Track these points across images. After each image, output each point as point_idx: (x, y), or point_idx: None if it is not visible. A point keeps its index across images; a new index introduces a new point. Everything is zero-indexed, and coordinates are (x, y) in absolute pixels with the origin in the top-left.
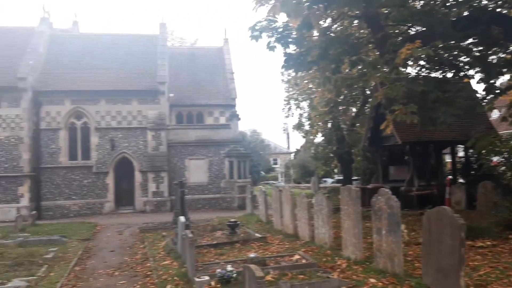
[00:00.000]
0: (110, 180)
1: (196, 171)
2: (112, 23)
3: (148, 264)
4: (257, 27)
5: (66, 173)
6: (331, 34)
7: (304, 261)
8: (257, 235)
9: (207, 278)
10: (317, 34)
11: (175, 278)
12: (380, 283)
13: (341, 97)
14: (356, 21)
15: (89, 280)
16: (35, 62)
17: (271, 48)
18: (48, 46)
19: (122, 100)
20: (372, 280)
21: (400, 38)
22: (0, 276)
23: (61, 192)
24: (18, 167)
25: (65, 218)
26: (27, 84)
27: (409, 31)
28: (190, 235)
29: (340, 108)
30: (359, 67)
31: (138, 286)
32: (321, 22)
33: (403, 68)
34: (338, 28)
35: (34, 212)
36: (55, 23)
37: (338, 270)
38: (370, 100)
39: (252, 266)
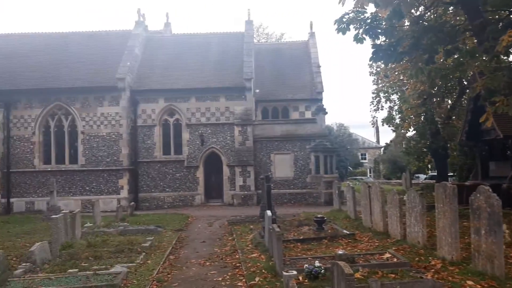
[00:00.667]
0: (200, 174)
1: (282, 166)
2: (202, 22)
3: (237, 256)
4: (344, 20)
5: (161, 167)
6: (423, 22)
7: (395, 260)
8: (345, 231)
9: (294, 272)
10: (408, 23)
11: (263, 271)
12: (479, 286)
13: (435, 89)
14: (451, 8)
15: (182, 269)
16: (132, 63)
17: (359, 40)
18: (143, 48)
19: (210, 97)
20: (470, 283)
21: (500, 25)
22: (105, 261)
23: (156, 185)
24: (118, 161)
25: (160, 209)
26: (125, 84)
27: (511, 16)
28: (277, 229)
29: (434, 100)
30: (455, 56)
31: (228, 276)
32: (412, 11)
33: (505, 56)
34: (431, 16)
35: (132, 203)
36: (149, 25)
37: (432, 270)
38: (467, 91)
39: (341, 262)
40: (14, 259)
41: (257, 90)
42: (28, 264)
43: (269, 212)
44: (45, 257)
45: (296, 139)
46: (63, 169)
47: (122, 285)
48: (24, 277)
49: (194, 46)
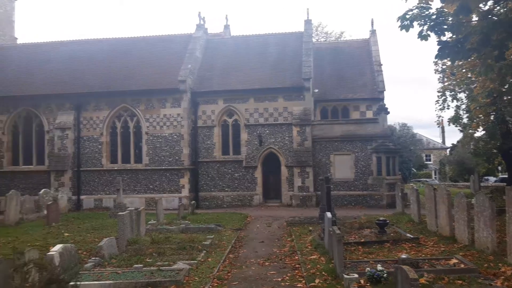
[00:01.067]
0: (258, 174)
1: (342, 167)
2: (261, 23)
3: (296, 257)
4: (407, 16)
5: (220, 166)
6: (493, 17)
7: (462, 265)
8: (409, 235)
9: (356, 275)
10: (477, 18)
11: (323, 273)
12: None
13: (506, 87)
14: None
15: (242, 268)
16: (192, 66)
17: (423, 37)
18: (204, 50)
19: (269, 97)
20: None
21: None
22: (168, 258)
23: (216, 184)
24: (180, 161)
25: (219, 208)
26: (186, 86)
27: None
28: (338, 232)
29: (505, 98)
30: None
31: (287, 277)
32: (481, 5)
33: None
34: (501, 11)
35: (193, 202)
36: (209, 28)
37: (502, 277)
38: None
39: (405, 267)
40: (85, 253)
41: (316, 90)
42: (97, 258)
43: (328, 214)
44: (113, 252)
45: (356, 139)
46: (128, 168)
47: (185, 281)
48: (93, 270)
49: (252, 47)
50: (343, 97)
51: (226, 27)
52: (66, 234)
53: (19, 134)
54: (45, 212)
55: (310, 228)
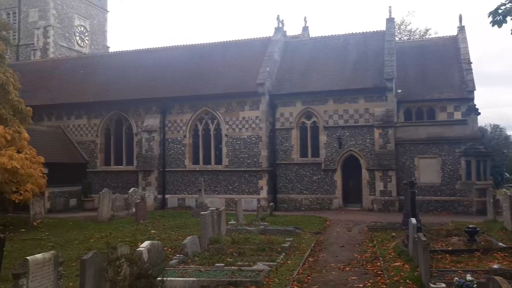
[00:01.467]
0: (337, 177)
1: (427, 171)
2: (340, 23)
3: (378, 264)
4: (500, 11)
5: (298, 169)
6: None
7: None
8: (501, 244)
9: (443, 285)
10: None
11: (407, 281)
12: None
13: None
14: None
15: (322, 272)
16: (271, 69)
17: None
18: (282, 52)
19: (348, 99)
20: None
21: None
22: (248, 258)
23: (294, 187)
24: (258, 162)
25: (297, 211)
26: (264, 89)
27: None
28: (423, 239)
29: None
30: None
31: (369, 284)
32: None
33: None
34: None
35: (271, 203)
36: (288, 30)
37: None
38: None
39: (498, 278)
40: (169, 250)
41: (399, 91)
42: (181, 255)
43: (413, 220)
44: (195, 250)
45: (443, 142)
46: (209, 169)
47: (264, 282)
48: (178, 267)
49: (331, 48)
50: (429, 98)
51: (305, 28)
52: (153, 231)
53: (111, 137)
54: (134, 210)
55: (393, 234)
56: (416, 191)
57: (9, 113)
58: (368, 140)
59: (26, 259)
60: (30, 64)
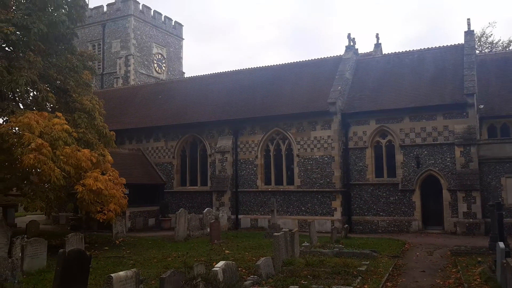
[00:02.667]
0: (416, 198)
1: None
2: (415, 39)
3: None
4: None
5: (373, 189)
6: None
7: None
8: None
9: None
10: None
11: None
12: None
13: None
14: None
15: None
16: (342, 87)
17: None
18: (354, 71)
19: (426, 116)
20: None
21: None
22: (322, 281)
23: (369, 208)
24: (331, 183)
25: (373, 233)
26: (336, 108)
27: None
28: None
29: None
30: None
31: None
32: None
33: None
34: None
35: (346, 225)
36: (360, 48)
37: None
38: None
39: None
40: (243, 270)
41: (481, 106)
42: (255, 276)
43: (501, 244)
44: (269, 272)
45: None
46: (281, 189)
47: None
48: None
49: (406, 64)
50: None
51: (377, 45)
52: (227, 251)
53: (186, 158)
54: (208, 229)
55: (479, 259)
56: (504, 213)
57: (94, 137)
58: (449, 159)
59: (111, 276)
60: (113, 91)
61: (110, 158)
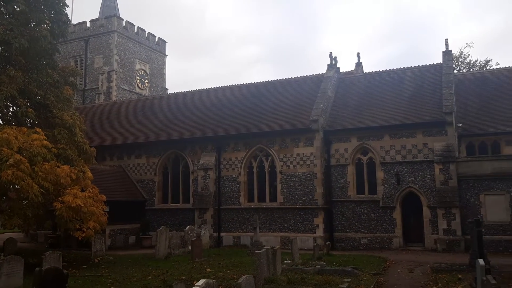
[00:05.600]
0: (397, 215)
1: (494, 208)
2: (394, 58)
3: None
4: None
5: (355, 206)
6: None
7: None
8: None
9: None
10: None
11: None
12: None
13: None
14: None
15: None
16: (324, 105)
17: None
18: (335, 89)
19: (406, 133)
20: None
21: None
22: None
23: (351, 225)
24: (313, 200)
25: (355, 250)
26: (318, 125)
27: None
28: (493, 281)
29: None
30: None
31: None
32: None
33: None
34: None
35: (328, 242)
36: (341, 66)
37: None
38: None
39: None
40: None
41: (460, 124)
42: None
43: (481, 261)
44: None
45: (511, 177)
46: (264, 206)
47: None
48: None
49: (386, 83)
50: (493, 131)
51: (358, 64)
52: (208, 269)
53: (168, 175)
54: (190, 247)
55: (459, 276)
56: (483, 230)
57: (74, 153)
58: (428, 176)
59: None
60: (95, 107)
61: (90, 174)
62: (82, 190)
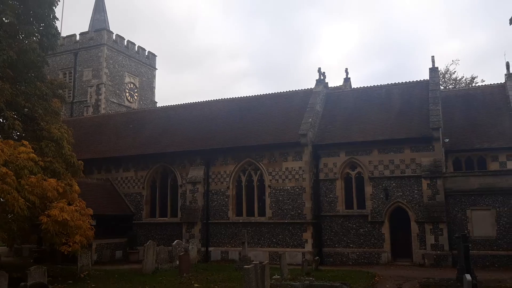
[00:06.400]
0: (385, 230)
1: (481, 223)
2: (382, 74)
3: None
4: None
5: (343, 221)
6: None
7: None
8: None
9: None
10: None
11: None
12: None
13: None
14: None
15: None
16: (313, 120)
17: None
18: (324, 104)
19: (394, 149)
20: None
21: None
22: None
23: (340, 240)
24: (302, 214)
25: (344, 265)
26: (307, 139)
27: None
28: None
29: None
30: None
31: None
32: None
33: None
34: None
35: (317, 257)
36: (329, 82)
37: None
38: None
39: None
40: None
41: (446, 140)
42: None
43: (468, 276)
44: None
45: (497, 192)
46: (252, 221)
47: None
48: None
49: (374, 98)
50: (478, 147)
51: (346, 80)
52: (196, 285)
53: (156, 188)
54: (177, 262)
55: None
56: (470, 245)
57: (62, 166)
58: (416, 191)
59: None
60: (83, 120)
61: (77, 188)
62: (69, 204)
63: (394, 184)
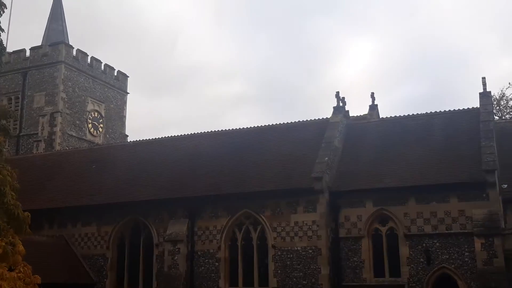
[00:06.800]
0: None
1: None
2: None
3: None
4: None
5: None
6: None
7: None
8: None
9: None
10: None
11: None
12: None
13: None
14: None
15: None
16: (330, 159)
17: None
18: (344, 138)
19: (436, 197)
20: None
21: None
22: None
23: None
24: (317, 284)
25: None
26: (323, 184)
27: None
28: None
29: None
30: None
31: None
32: None
33: None
34: None
35: None
36: (351, 110)
37: None
38: None
39: None
40: None
41: (504, 186)
42: None
43: None
44: None
45: None
46: None
47: None
48: None
49: (409, 131)
50: None
51: (373, 107)
52: None
53: (125, 249)
54: None
55: None
56: None
57: (2, 220)
58: (467, 254)
59: None
60: (32, 158)
61: (21, 248)
62: (10, 269)
63: (437, 244)
